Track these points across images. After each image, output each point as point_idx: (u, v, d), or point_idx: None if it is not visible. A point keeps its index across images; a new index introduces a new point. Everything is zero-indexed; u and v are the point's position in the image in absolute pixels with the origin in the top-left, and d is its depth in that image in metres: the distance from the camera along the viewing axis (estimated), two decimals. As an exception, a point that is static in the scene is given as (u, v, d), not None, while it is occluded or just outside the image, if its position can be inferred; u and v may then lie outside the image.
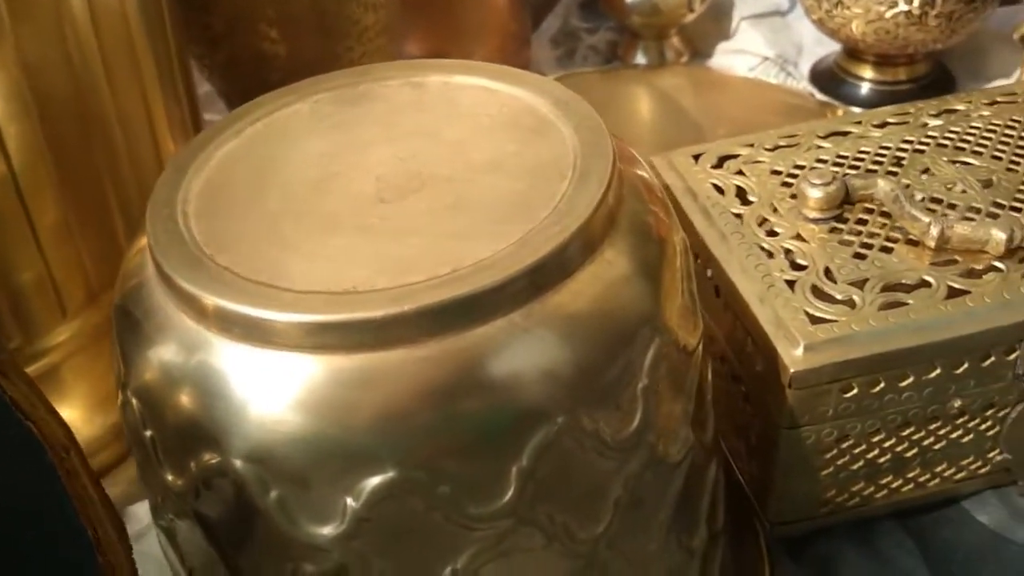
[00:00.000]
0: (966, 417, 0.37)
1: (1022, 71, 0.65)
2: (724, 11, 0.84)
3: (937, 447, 0.38)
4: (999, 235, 0.36)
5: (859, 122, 0.45)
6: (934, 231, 0.37)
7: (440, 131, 0.32)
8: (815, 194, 0.39)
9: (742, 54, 0.79)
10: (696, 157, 0.44)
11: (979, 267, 0.37)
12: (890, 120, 0.45)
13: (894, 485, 0.39)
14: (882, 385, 0.35)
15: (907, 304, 0.35)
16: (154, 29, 0.44)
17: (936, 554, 0.41)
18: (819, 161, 0.43)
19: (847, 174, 0.41)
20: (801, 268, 0.37)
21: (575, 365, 0.26)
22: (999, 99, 0.46)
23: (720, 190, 0.42)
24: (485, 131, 0.31)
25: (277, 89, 0.34)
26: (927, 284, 0.36)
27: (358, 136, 0.32)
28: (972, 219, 0.38)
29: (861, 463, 0.37)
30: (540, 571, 0.27)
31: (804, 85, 0.75)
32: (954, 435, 0.38)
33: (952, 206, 0.39)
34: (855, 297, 0.35)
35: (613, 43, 0.84)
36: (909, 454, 0.38)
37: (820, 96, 0.72)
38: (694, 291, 0.31)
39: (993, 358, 0.35)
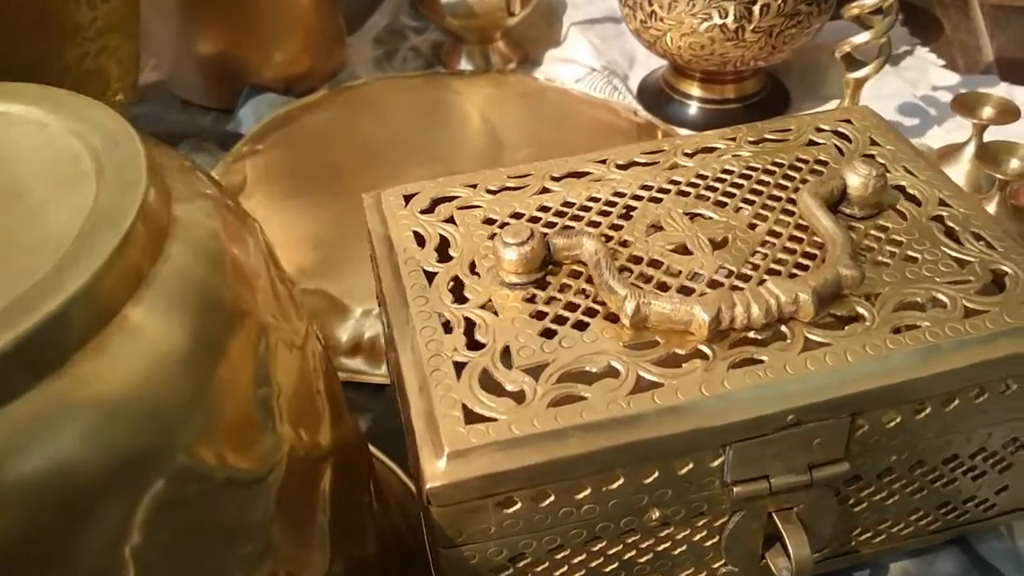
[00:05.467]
0: (672, 528, 0.31)
1: (844, 93, 0.60)
2: (556, 15, 0.77)
3: (643, 560, 0.32)
4: (702, 316, 0.30)
5: (603, 161, 0.39)
6: (628, 307, 0.30)
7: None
8: (509, 255, 0.32)
9: (570, 63, 0.72)
10: (408, 198, 0.37)
11: (683, 351, 0.30)
12: (638, 160, 0.39)
13: (601, 602, 0.33)
14: (552, 498, 0.28)
15: (583, 399, 0.28)
16: None
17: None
18: (541, 209, 0.36)
19: (550, 231, 0.34)
20: (479, 347, 0.31)
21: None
22: (768, 136, 0.40)
23: (421, 241, 0.35)
24: (8, 185, 0.24)
25: None
26: (615, 373, 0.29)
27: None
28: (688, 292, 0.32)
29: (550, 581, 0.31)
30: None
31: (630, 101, 0.68)
32: (662, 547, 0.32)
33: (674, 272, 0.33)
34: (526, 388, 0.29)
35: (438, 45, 0.77)
36: (609, 569, 0.32)
37: (644, 114, 0.66)
38: (287, 398, 0.25)
39: (691, 465, 0.29)
